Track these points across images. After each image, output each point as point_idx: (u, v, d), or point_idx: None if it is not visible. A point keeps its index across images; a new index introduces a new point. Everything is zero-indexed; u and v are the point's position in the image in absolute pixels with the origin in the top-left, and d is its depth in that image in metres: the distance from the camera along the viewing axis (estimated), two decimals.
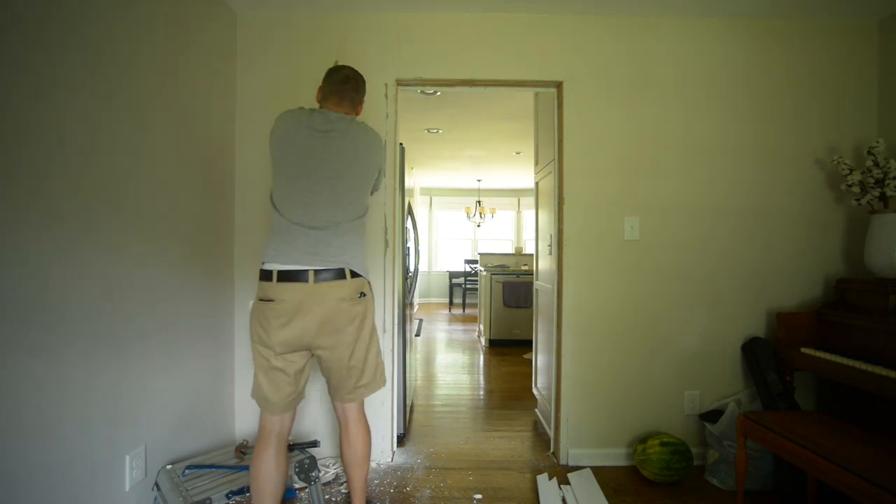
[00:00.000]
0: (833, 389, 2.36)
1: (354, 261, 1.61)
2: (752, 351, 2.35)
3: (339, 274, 1.55)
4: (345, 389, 1.66)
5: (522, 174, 7.49)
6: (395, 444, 2.53)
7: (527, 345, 4.07)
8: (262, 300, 1.56)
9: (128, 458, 1.64)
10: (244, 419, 2.44)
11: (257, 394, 1.60)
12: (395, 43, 2.46)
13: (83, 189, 1.43)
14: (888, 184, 2.10)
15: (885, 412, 2.04)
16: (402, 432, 2.67)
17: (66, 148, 1.36)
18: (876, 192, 2.15)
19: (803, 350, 2.17)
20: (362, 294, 1.61)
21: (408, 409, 2.87)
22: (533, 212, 3.57)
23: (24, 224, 1.23)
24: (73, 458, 1.40)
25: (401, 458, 2.51)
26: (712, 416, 2.36)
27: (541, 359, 3.03)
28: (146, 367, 1.74)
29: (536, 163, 3.13)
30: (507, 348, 5.23)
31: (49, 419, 1.32)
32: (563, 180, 2.47)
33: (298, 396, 1.65)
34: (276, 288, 1.53)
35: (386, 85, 2.46)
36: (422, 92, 3.61)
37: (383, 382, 1.74)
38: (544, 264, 2.91)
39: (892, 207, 2.16)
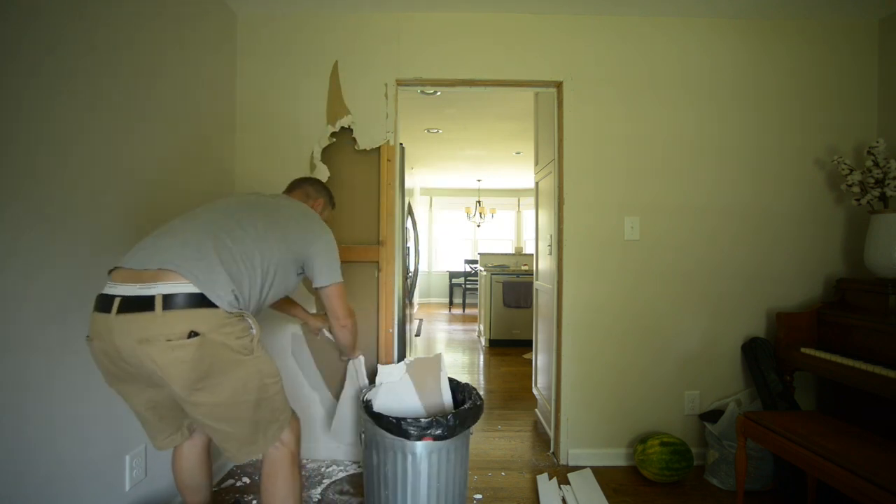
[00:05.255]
0: (833, 389, 2.36)
1: (214, 282, 1.19)
2: (753, 351, 2.35)
3: (149, 303, 1.11)
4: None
5: (522, 174, 7.49)
6: None
7: (527, 345, 4.07)
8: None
9: (128, 458, 1.64)
10: None
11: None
12: (395, 43, 2.46)
13: (82, 191, 1.43)
14: (888, 184, 2.10)
15: (886, 412, 2.04)
16: None
17: (69, 149, 1.36)
18: (876, 192, 2.15)
19: (803, 350, 2.17)
20: (193, 334, 1.13)
21: None
22: (533, 212, 3.57)
23: (29, 230, 1.23)
24: (73, 457, 1.40)
25: None
26: (712, 416, 2.37)
27: (541, 359, 3.03)
28: None
29: (536, 163, 3.13)
30: (507, 348, 5.23)
31: (50, 419, 1.32)
32: (563, 180, 2.47)
33: (180, 430, 1.42)
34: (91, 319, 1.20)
35: (386, 85, 2.46)
36: (422, 92, 3.60)
37: (266, 445, 1.33)
38: (544, 264, 2.91)
39: (892, 207, 2.16)
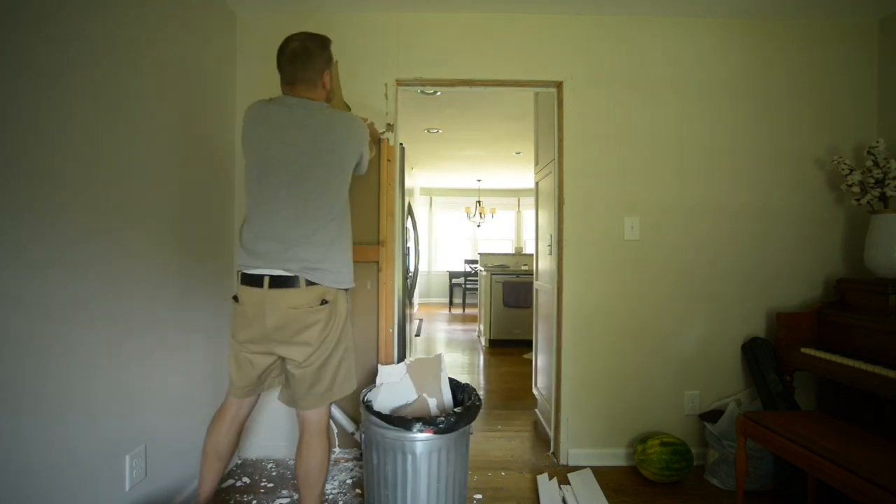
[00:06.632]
0: (833, 389, 2.36)
1: (328, 269, 1.56)
2: (752, 351, 2.35)
3: (293, 282, 1.51)
4: (298, 395, 1.59)
5: (522, 174, 7.49)
6: None
7: (527, 345, 4.07)
8: (233, 297, 1.63)
9: (128, 458, 1.64)
10: None
11: (229, 373, 1.68)
12: (394, 43, 2.46)
13: (82, 190, 1.43)
14: (888, 184, 2.10)
15: (886, 412, 2.04)
16: None
17: (71, 148, 1.36)
18: (876, 192, 2.15)
19: (803, 350, 2.17)
20: (324, 301, 1.54)
21: None
22: (533, 212, 3.57)
23: (23, 226, 1.23)
24: (73, 458, 1.40)
25: None
26: (712, 416, 2.37)
27: (541, 359, 3.03)
28: (146, 367, 1.74)
29: (536, 163, 3.13)
30: (507, 348, 5.23)
31: (49, 419, 1.32)
32: (563, 180, 2.47)
33: (257, 388, 1.68)
34: (240, 290, 1.59)
35: (386, 85, 2.46)
36: (422, 92, 3.60)
37: (344, 391, 1.63)
38: (544, 264, 2.91)
39: (892, 207, 2.16)
